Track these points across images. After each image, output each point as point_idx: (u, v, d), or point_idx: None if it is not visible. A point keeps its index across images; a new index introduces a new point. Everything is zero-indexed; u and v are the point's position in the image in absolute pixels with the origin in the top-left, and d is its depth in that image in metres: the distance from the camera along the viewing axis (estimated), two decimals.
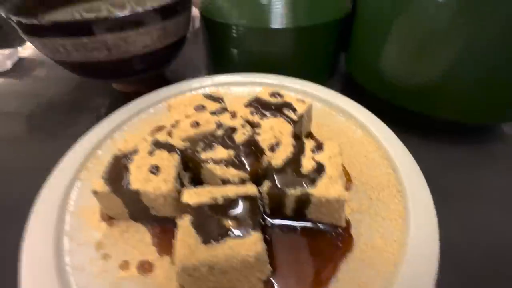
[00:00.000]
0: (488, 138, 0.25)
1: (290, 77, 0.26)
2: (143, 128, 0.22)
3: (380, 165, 0.18)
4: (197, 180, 0.16)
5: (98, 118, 0.23)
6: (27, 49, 0.41)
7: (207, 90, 0.25)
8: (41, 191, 0.16)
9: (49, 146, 0.23)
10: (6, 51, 0.39)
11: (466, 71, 0.19)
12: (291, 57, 0.28)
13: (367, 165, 0.18)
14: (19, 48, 0.41)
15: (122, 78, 0.29)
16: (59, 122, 0.28)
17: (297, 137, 0.18)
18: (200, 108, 0.19)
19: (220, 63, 0.33)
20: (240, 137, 0.17)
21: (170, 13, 0.25)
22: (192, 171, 0.16)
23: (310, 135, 0.21)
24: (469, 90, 0.20)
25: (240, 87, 0.26)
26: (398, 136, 0.19)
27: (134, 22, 0.22)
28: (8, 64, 0.37)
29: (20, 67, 0.38)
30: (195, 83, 0.26)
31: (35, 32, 0.22)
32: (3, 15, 0.22)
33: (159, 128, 0.22)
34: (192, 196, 0.14)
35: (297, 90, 0.24)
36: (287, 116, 0.18)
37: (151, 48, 0.25)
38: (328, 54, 0.31)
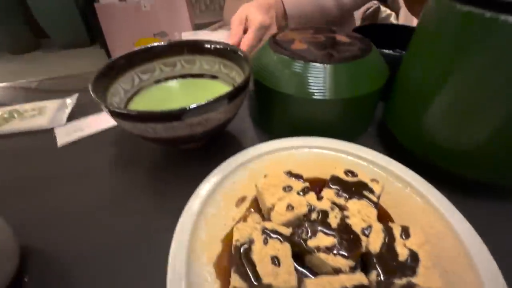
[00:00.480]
0: None
1: (342, 141, 0.29)
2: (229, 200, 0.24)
3: (446, 236, 0.21)
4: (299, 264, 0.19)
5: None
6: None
7: (281, 154, 0.28)
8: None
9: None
10: (54, 104, 0.41)
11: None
12: (334, 121, 0.31)
13: (435, 235, 0.21)
14: (68, 100, 0.43)
15: (191, 144, 0.32)
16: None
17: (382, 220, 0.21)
18: (288, 188, 0.22)
19: (265, 120, 0.36)
20: (333, 221, 0.20)
21: (242, 91, 0.28)
22: (297, 256, 0.19)
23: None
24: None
25: (304, 150, 0.29)
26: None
27: (214, 106, 0.25)
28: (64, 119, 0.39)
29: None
30: (267, 147, 0.28)
31: (128, 119, 0.25)
32: (104, 109, 0.25)
33: (243, 199, 0.24)
34: (316, 287, 0.16)
35: (357, 155, 0.28)
36: (369, 199, 0.21)
37: (223, 121, 0.28)
38: (369, 115, 0.34)
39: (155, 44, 0.35)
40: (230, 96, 0.26)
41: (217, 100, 0.25)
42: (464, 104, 0.23)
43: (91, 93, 0.26)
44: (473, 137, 0.24)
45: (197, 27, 0.93)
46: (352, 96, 0.29)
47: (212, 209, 0.23)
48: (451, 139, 0.25)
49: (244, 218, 0.23)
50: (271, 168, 0.26)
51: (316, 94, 0.29)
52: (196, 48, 0.36)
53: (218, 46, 0.35)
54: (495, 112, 0.21)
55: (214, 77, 0.37)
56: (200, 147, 0.34)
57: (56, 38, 2.31)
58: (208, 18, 1.23)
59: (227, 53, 0.34)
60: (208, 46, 0.36)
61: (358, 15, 0.98)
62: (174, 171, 0.32)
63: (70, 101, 0.42)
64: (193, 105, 0.24)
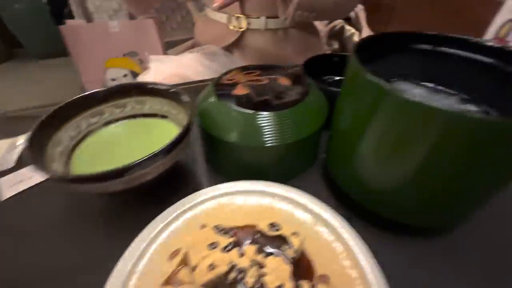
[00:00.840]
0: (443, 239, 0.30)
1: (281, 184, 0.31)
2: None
3: (359, 285, 0.23)
4: None
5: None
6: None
7: (220, 200, 0.29)
8: None
9: None
10: (3, 144, 0.41)
11: (423, 182, 0.24)
12: (279, 164, 0.33)
13: (349, 284, 0.23)
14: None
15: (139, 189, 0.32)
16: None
17: (297, 276, 0.22)
18: (213, 246, 0.24)
19: (214, 162, 0.37)
20: (250, 280, 0.21)
21: (182, 141, 0.29)
22: None
23: None
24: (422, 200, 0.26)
25: (245, 197, 0.30)
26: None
27: (153, 160, 0.26)
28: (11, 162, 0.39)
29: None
30: (206, 193, 0.30)
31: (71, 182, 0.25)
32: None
33: (176, 253, 0.26)
34: None
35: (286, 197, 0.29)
36: (286, 255, 0.22)
37: (165, 169, 0.29)
38: (313, 152, 0.36)
39: (104, 88, 0.36)
40: (166, 151, 0.27)
41: (152, 157, 0.26)
42: (372, 154, 0.25)
43: (26, 149, 0.27)
44: (383, 182, 0.26)
45: (169, 45, 0.93)
46: (294, 140, 0.31)
47: (144, 265, 0.24)
48: (368, 183, 0.28)
49: (174, 274, 0.24)
50: (207, 218, 0.28)
51: (257, 141, 0.30)
52: (144, 90, 0.37)
53: (163, 88, 0.36)
54: (395, 164, 0.24)
55: (165, 116, 0.38)
56: (148, 191, 0.35)
57: (30, 47, 2.23)
58: (180, 35, 1.24)
59: (172, 95, 0.36)
60: (155, 88, 0.37)
61: (324, 33, 1.02)
62: (124, 221, 0.32)
63: (20, 141, 0.41)
64: (124, 165, 0.25)
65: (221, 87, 0.35)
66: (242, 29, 0.66)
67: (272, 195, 0.30)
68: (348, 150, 0.28)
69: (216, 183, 0.30)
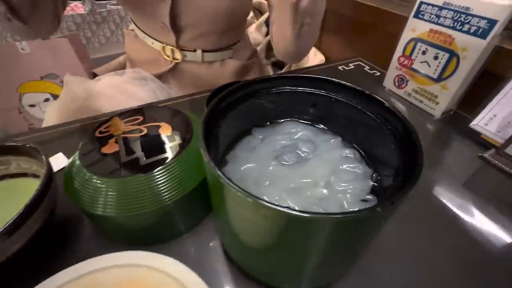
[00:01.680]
0: None
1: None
2: None
3: None
4: None
5: None
6: None
7: None
8: None
9: None
10: None
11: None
12: (161, 226, 0.31)
13: None
14: None
15: None
16: None
17: None
18: None
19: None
20: None
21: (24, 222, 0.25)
22: None
23: None
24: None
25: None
26: None
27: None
28: None
29: None
30: (75, 271, 0.26)
31: None
32: None
33: None
34: None
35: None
36: None
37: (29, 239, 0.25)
38: (203, 203, 0.34)
39: None
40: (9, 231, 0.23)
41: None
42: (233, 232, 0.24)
43: None
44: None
45: (97, 61, 0.86)
46: (171, 201, 0.29)
47: None
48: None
49: None
50: None
51: (124, 210, 0.27)
52: (5, 149, 0.33)
53: (19, 145, 0.32)
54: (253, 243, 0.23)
55: (37, 176, 0.34)
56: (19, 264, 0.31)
57: None
58: (110, 51, 1.16)
59: (31, 152, 0.31)
60: (14, 146, 0.32)
61: (262, 46, 1.00)
62: None
63: None
64: None
65: (91, 143, 0.31)
66: (177, 61, 0.61)
67: (146, 266, 0.27)
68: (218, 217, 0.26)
69: (101, 249, 0.28)
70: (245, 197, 0.17)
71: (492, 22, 0.42)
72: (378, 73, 0.70)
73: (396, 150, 0.24)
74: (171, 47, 0.60)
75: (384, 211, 0.17)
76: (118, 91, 0.62)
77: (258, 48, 1.02)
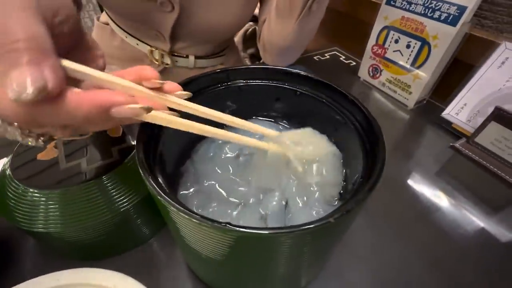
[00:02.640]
0: None
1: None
2: None
3: None
4: None
5: None
6: None
7: None
8: None
9: None
10: None
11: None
12: (110, 240, 0.28)
13: None
14: None
15: None
16: None
17: None
18: None
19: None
20: None
21: None
22: None
23: None
24: None
25: None
26: None
27: None
28: None
29: None
30: None
31: None
32: None
33: None
34: None
35: None
36: None
37: None
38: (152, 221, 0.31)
39: None
40: None
41: None
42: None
43: None
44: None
45: None
46: (125, 208, 0.25)
47: None
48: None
49: None
50: None
51: (62, 227, 0.24)
52: None
53: None
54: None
55: None
56: None
57: None
58: None
59: None
60: None
61: (238, 38, 0.96)
62: None
63: None
64: None
65: (25, 149, 0.28)
66: (166, 65, 0.56)
67: (91, 285, 0.24)
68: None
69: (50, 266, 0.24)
70: (190, 219, 0.15)
71: (461, 9, 0.41)
72: (354, 63, 0.68)
73: (361, 149, 0.22)
74: (161, 52, 0.54)
75: (338, 222, 0.15)
76: None
77: (235, 41, 0.98)
